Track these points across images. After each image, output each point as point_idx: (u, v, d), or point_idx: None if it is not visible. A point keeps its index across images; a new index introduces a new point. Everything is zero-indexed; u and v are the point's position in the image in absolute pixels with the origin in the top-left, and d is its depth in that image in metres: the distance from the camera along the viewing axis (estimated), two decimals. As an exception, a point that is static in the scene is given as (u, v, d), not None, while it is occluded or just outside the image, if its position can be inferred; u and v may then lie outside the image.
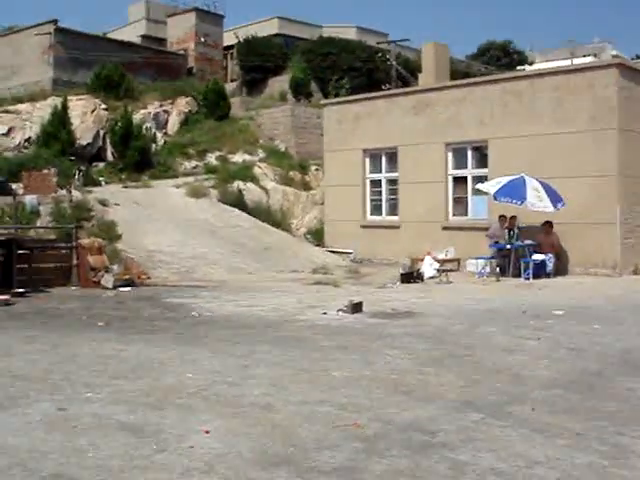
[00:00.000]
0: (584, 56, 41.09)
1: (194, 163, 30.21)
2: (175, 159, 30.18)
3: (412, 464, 5.31)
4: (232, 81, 45.40)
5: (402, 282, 18.30)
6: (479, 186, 20.13)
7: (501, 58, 55.24)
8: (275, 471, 5.13)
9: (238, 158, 30.39)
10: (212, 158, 30.45)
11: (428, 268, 19.54)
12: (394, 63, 41.83)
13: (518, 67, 48.93)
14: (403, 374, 8.16)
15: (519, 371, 8.35)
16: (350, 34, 47.61)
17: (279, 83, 40.97)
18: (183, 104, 33.99)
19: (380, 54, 43.19)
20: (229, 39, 45.46)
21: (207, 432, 5.98)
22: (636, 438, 5.96)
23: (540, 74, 21.52)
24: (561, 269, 19.60)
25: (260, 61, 42.36)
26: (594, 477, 5.13)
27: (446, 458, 5.44)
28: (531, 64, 49.37)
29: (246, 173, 28.10)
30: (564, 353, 9.43)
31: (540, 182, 18.73)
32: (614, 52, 48.21)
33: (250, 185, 27.35)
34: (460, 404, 6.94)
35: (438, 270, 19.37)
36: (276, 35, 46.46)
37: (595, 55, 43.61)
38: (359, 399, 7.08)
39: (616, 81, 19.39)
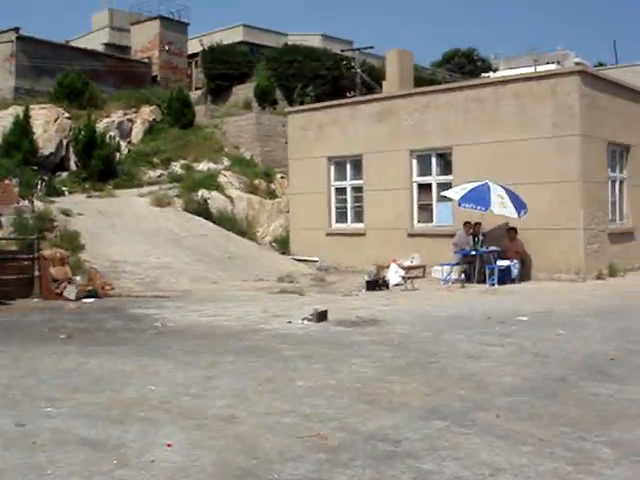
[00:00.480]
0: (547, 63, 41.35)
1: (158, 172, 30.04)
2: (139, 168, 29.99)
3: (376, 474, 5.27)
4: (197, 89, 45.31)
5: (367, 290, 18.29)
6: (444, 193, 20.20)
7: (465, 65, 55.64)
8: (237, 484, 5.08)
9: (203, 166, 30.26)
10: (177, 167, 30.29)
11: (393, 275, 19.55)
12: (359, 71, 41.92)
13: (482, 74, 49.25)
14: (368, 383, 8.13)
15: (484, 378, 8.34)
16: (315, 42, 47.72)
17: (244, 91, 40.93)
18: (147, 112, 33.79)
19: (345, 62, 43.29)
20: (194, 47, 45.40)
21: (169, 445, 5.90)
22: (599, 443, 5.97)
23: (503, 81, 21.63)
24: (526, 275, 19.70)
25: (225, 69, 42.29)
26: (559, 483, 5.13)
27: (410, 467, 5.41)
28: (495, 71, 49.68)
29: (211, 182, 27.98)
30: (528, 359, 9.45)
31: (504, 188, 18.84)
32: (577, 60, 48.70)
33: (215, 194, 27.23)
34: (424, 412, 6.92)
35: (404, 277, 19.39)
36: (241, 43, 46.45)
37: (558, 63, 43.94)
38: (323, 409, 7.03)
39: (578, 88, 19.54)
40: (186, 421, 6.64)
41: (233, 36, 46.84)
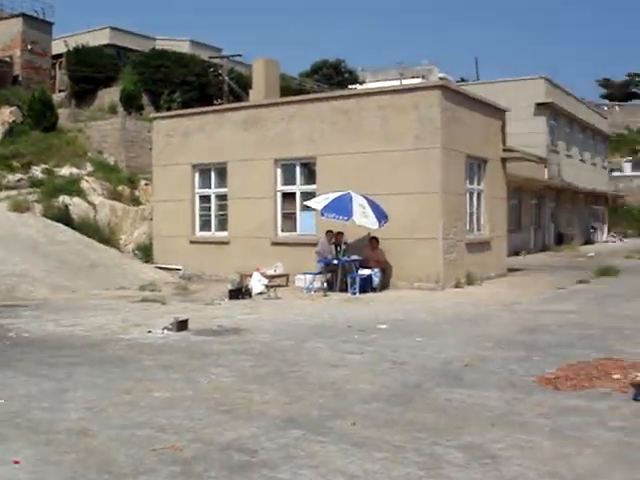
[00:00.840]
0: (412, 77, 42.51)
1: (18, 176, 28.98)
2: (-3, 172, 28.88)
3: (230, 485, 5.25)
4: (60, 91, 44.14)
5: (230, 298, 18.19)
6: (307, 203, 20.32)
7: (333, 77, 56.43)
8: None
9: (65, 171, 29.41)
10: (37, 171, 29.31)
11: (257, 284, 19.52)
12: (226, 78, 41.83)
13: (350, 86, 50.07)
14: (226, 392, 8.08)
15: (342, 386, 8.44)
16: (184, 47, 47.38)
17: (109, 95, 40.20)
18: (7, 114, 32.60)
19: (213, 69, 43.13)
20: (58, 48, 44.15)
21: (17, 462, 5.69)
22: (450, 447, 6.15)
23: (368, 93, 21.96)
24: (387, 283, 20.06)
25: (90, 71, 41.37)
26: (409, 488, 5.25)
27: (265, 477, 5.42)
28: (362, 83, 50.63)
29: (73, 187, 27.26)
30: (387, 366, 9.61)
31: (366, 199, 19.14)
32: (441, 75, 50.08)
33: (76, 200, 26.54)
34: (282, 421, 6.93)
35: (267, 286, 19.36)
36: (108, 45, 45.59)
37: (423, 77, 45.16)
38: (179, 420, 6.94)
39: (439, 102, 20.03)
40: (37, 436, 6.42)
41: (99, 38, 45.93)
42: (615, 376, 8.86)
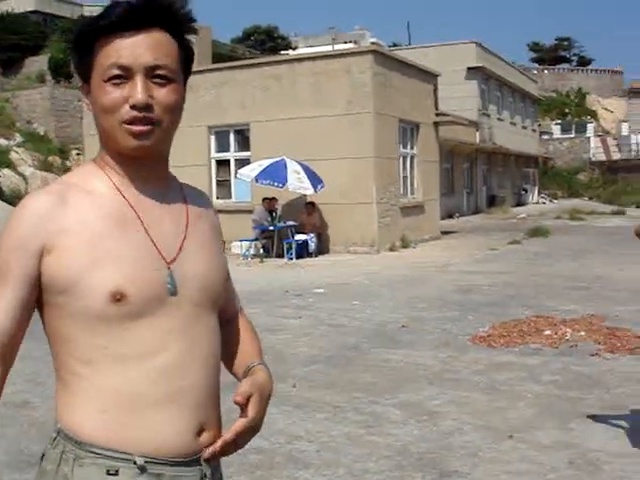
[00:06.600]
0: (345, 43, 42.37)
1: (-56, 148, 28.34)
2: None
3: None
4: (-16, 61, 42.94)
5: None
6: (240, 173, 20.09)
7: (266, 42, 56.08)
8: (32, 472, 4.96)
9: (-8, 143, 28.84)
10: (-37, 143, 28.68)
11: (193, 252, 19.40)
12: (156, 45, 41.20)
13: (282, 52, 49.83)
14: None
15: (281, 350, 8.52)
16: (110, 14, 46.31)
17: (37, 63, 39.26)
18: None
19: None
20: (-21, 15, 42.90)
21: None
22: (389, 406, 6.32)
23: (300, 59, 21.91)
24: (323, 248, 20.19)
25: (16, 39, 40.33)
26: (351, 446, 5.39)
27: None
28: (295, 49, 50.39)
29: (2, 159, 26.72)
30: (324, 330, 9.75)
31: (300, 164, 19.15)
32: (373, 40, 50.01)
33: (6, 171, 26.03)
34: (223, 386, 6.98)
35: (204, 253, 19.27)
36: (33, 12, 44.43)
37: (355, 42, 45.01)
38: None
39: (371, 67, 20.11)
40: None
41: (24, 4, 44.72)
42: (546, 332, 9.15)
